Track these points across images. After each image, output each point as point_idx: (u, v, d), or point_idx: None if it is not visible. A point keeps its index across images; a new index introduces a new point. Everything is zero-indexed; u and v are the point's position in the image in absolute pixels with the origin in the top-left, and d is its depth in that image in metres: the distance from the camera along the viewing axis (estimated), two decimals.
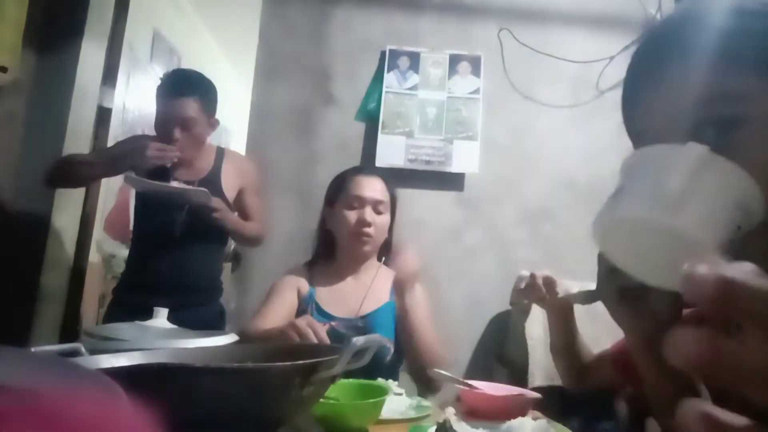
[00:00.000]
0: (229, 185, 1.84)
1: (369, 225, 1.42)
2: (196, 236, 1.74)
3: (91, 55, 2.08)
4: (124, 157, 1.72)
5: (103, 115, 2.18)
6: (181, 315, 1.60)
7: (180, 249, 1.74)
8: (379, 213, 1.45)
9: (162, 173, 1.70)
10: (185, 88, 1.73)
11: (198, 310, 1.72)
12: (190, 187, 1.67)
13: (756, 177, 0.43)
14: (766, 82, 0.48)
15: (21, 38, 1.79)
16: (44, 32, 1.92)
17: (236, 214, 1.86)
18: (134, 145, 1.74)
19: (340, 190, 1.48)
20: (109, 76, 2.21)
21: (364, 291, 1.38)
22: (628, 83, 0.57)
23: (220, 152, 1.87)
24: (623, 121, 0.59)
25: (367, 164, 2.14)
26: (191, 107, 1.71)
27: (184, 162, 1.76)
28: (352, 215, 1.43)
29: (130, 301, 1.66)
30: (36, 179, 1.73)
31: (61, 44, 1.97)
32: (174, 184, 1.66)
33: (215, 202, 1.68)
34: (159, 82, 1.78)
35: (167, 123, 1.71)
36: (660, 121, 0.53)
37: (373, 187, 1.46)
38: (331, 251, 1.50)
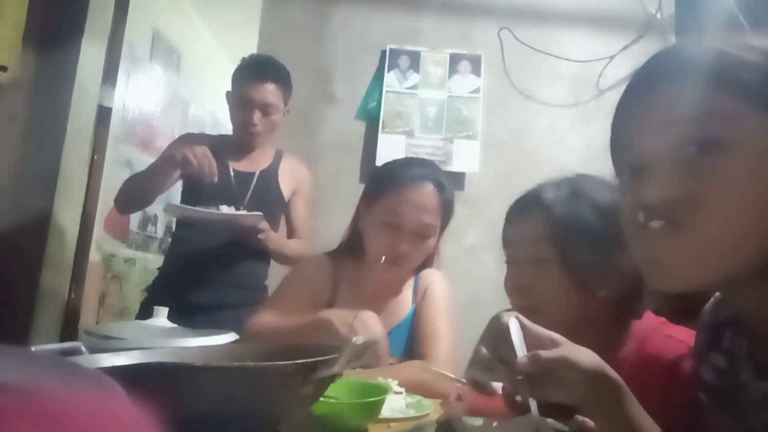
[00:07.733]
0: (285, 184, 1.78)
1: (404, 256, 1.13)
2: None
3: (90, 55, 2.08)
4: (166, 164, 1.63)
5: (103, 115, 2.18)
6: (225, 314, 1.57)
7: (227, 246, 1.64)
8: (422, 238, 1.14)
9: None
10: (267, 74, 1.69)
11: (244, 311, 1.59)
12: (239, 213, 1.57)
13: (737, 202, 0.47)
14: (755, 110, 0.48)
15: (21, 37, 1.79)
16: (44, 31, 1.92)
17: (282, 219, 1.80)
18: (174, 149, 1.64)
19: (381, 191, 1.17)
20: (109, 75, 2.20)
21: (390, 300, 1.21)
22: (621, 105, 0.58)
23: (279, 152, 1.84)
24: (611, 143, 0.60)
25: (368, 164, 2.13)
26: (273, 93, 1.68)
27: (253, 148, 1.74)
28: (383, 237, 1.13)
29: (168, 300, 1.59)
30: (36, 178, 1.73)
31: (61, 43, 1.97)
32: (223, 209, 1.54)
33: (262, 224, 1.59)
34: (239, 65, 1.74)
35: (248, 107, 1.67)
36: (649, 139, 0.54)
37: (422, 206, 1.12)
38: (360, 250, 1.21)
